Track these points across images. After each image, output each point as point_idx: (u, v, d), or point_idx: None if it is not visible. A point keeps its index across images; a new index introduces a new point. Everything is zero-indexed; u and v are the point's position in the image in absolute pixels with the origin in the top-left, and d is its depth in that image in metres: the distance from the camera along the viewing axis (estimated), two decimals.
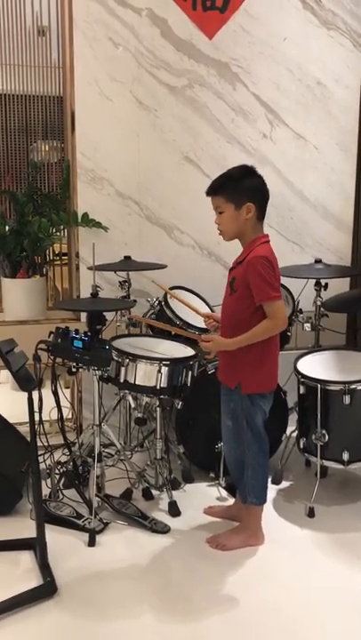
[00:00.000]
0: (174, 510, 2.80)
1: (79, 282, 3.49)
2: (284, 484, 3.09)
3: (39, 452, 2.36)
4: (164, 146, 3.48)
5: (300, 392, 2.91)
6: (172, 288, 3.23)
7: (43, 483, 2.46)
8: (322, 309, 3.26)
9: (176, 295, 2.99)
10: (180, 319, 3.01)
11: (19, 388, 2.27)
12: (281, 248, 3.59)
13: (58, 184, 3.69)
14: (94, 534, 2.57)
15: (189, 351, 2.79)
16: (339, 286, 3.51)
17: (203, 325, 2.78)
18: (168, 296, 3.08)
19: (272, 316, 2.36)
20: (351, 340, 3.86)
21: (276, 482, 3.06)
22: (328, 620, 2.16)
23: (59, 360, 2.73)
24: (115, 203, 3.46)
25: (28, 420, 2.27)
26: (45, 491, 2.77)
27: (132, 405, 3.15)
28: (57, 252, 3.97)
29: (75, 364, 2.64)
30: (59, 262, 4.01)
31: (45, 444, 2.83)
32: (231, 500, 2.86)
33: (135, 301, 3.20)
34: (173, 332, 2.90)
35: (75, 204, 3.43)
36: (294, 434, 3.06)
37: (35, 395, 2.32)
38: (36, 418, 2.35)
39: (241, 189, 2.39)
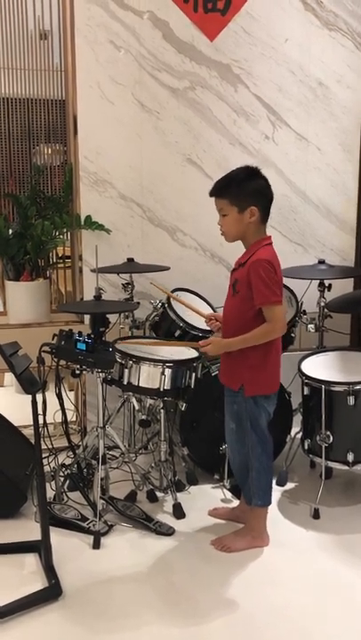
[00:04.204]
0: (179, 512, 2.80)
1: (82, 284, 3.49)
2: (289, 485, 3.08)
3: (43, 455, 2.36)
4: (166, 148, 3.48)
5: (305, 393, 2.91)
6: (175, 290, 3.24)
7: (47, 485, 2.46)
8: (326, 310, 3.25)
9: (177, 297, 3.00)
10: (184, 321, 3.00)
11: (23, 390, 2.28)
12: (284, 249, 3.59)
13: (61, 187, 3.69)
14: (99, 536, 2.57)
15: (192, 353, 2.79)
16: (342, 287, 3.50)
17: (206, 327, 2.77)
18: (171, 298, 3.08)
19: (271, 320, 2.35)
20: (355, 341, 3.85)
21: (281, 483, 3.06)
22: (333, 621, 2.15)
23: (62, 362, 2.74)
24: (117, 205, 3.46)
25: (32, 422, 2.28)
26: (50, 493, 2.77)
27: (136, 407, 3.14)
28: (60, 255, 3.98)
29: (78, 366, 2.65)
30: (62, 265, 4.02)
31: (50, 446, 2.83)
32: (236, 502, 2.85)
33: (138, 303, 3.20)
34: (177, 334, 2.90)
35: (77, 206, 3.44)
36: (299, 435, 3.06)
37: (39, 397, 2.32)
38: (40, 420, 2.35)
39: (245, 192, 2.38)
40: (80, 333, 2.63)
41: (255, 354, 2.41)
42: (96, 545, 2.55)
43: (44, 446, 2.39)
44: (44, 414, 2.61)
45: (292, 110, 3.63)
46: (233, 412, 2.53)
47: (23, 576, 2.39)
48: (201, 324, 2.88)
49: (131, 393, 2.81)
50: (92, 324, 2.73)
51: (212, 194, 2.45)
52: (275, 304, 2.35)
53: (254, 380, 2.44)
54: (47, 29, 3.81)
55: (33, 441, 2.32)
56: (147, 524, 2.69)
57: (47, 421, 2.68)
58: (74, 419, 3.53)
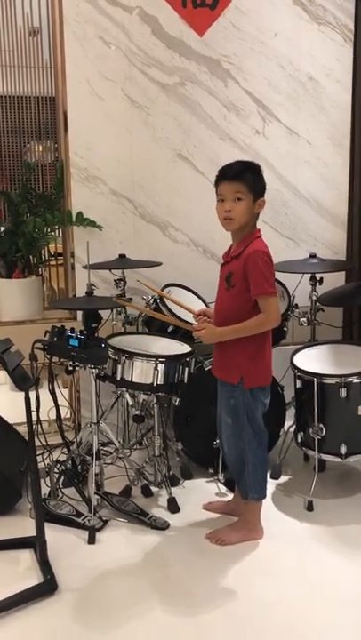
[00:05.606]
0: (173, 506, 2.81)
1: (75, 281, 3.49)
2: (283, 478, 3.10)
3: (38, 452, 2.37)
4: (156, 143, 3.48)
5: (297, 386, 2.92)
6: (167, 285, 3.24)
7: (42, 482, 2.47)
8: (317, 304, 3.26)
9: (168, 295, 3.00)
10: (176, 316, 3.01)
11: (16, 387, 2.28)
12: (276, 243, 3.60)
13: (52, 184, 3.70)
14: (94, 532, 2.58)
15: (185, 348, 2.80)
16: (334, 280, 3.52)
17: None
18: (163, 296, 3.09)
19: (265, 311, 2.36)
20: (347, 334, 3.86)
21: (275, 476, 3.07)
22: (327, 613, 2.17)
23: (56, 359, 2.74)
24: (109, 201, 3.46)
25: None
26: (45, 490, 2.78)
27: (130, 403, 3.14)
28: (52, 253, 3.98)
29: (71, 362, 2.65)
30: (54, 262, 4.02)
31: (44, 443, 2.83)
32: (230, 496, 2.87)
33: (131, 299, 3.21)
34: (170, 329, 2.91)
35: (69, 203, 3.44)
36: (292, 428, 3.07)
37: (32, 394, 2.33)
38: (34, 417, 2.36)
39: (260, 182, 2.42)
40: (72, 329, 2.63)
41: (252, 346, 2.42)
42: (91, 540, 2.56)
43: (38, 443, 2.39)
44: (38, 411, 2.61)
45: (282, 105, 3.64)
46: (230, 406, 2.52)
47: (18, 572, 2.40)
48: (193, 318, 2.89)
49: (124, 388, 2.82)
50: (84, 320, 2.73)
51: (232, 176, 2.37)
52: (270, 295, 2.36)
53: (252, 371, 2.45)
54: (36, 26, 3.81)
55: (27, 438, 2.33)
56: (142, 518, 2.70)
57: (41, 418, 2.68)
58: (68, 415, 3.53)
